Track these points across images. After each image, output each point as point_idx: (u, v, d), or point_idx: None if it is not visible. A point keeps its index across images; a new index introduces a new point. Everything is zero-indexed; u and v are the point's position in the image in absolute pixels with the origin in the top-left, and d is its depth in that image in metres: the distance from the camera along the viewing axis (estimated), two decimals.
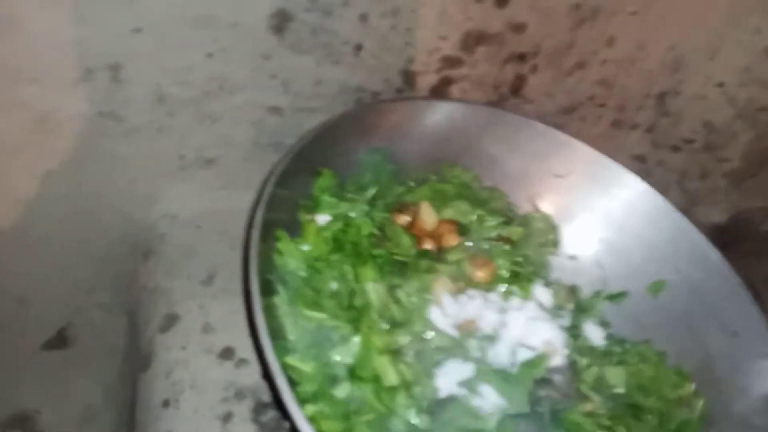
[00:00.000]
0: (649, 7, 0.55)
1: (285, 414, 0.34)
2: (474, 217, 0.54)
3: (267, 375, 0.35)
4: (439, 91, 0.57)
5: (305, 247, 0.46)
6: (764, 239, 0.54)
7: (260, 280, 0.38)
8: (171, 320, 0.50)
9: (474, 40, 0.54)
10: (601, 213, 0.57)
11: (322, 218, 0.47)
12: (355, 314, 0.43)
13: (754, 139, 0.57)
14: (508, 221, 0.55)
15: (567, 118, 0.63)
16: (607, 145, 0.59)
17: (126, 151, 0.53)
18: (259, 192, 0.41)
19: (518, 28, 0.54)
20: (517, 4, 0.52)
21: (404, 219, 0.51)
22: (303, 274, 0.44)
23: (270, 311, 0.39)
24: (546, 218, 0.58)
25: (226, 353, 0.47)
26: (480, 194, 0.57)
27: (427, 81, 0.56)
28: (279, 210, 0.44)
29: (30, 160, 0.51)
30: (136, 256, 0.57)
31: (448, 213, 0.53)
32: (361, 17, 0.49)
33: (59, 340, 0.66)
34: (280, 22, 0.48)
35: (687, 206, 0.54)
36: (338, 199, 0.48)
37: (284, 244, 0.44)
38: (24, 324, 0.62)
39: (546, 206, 0.58)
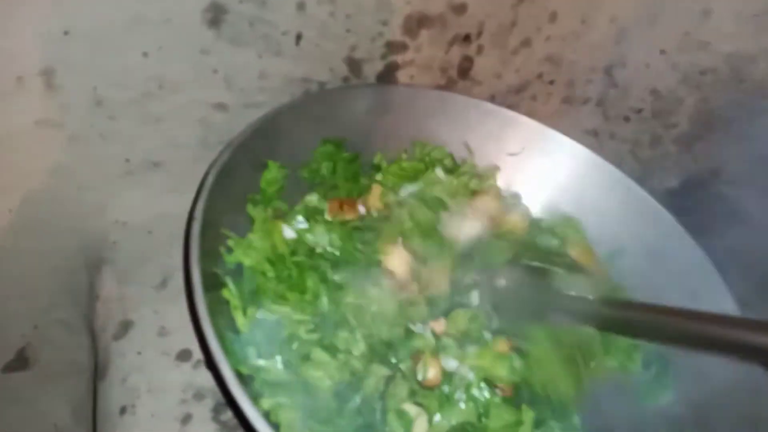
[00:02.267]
0: None
1: (237, 413, 0.33)
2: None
3: (212, 368, 0.34)
4: (387, 78, 0.57)
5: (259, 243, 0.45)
6: (715, 199, 0.55)
7: (204, 273, 0.37)
8: (125, 327, 0.48)
9: (416, 23, 0.54)
10: (557, 187, 0.58)
11: (289, 232, 0.46)
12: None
13: (698, 102, 0.58)
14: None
15: (518, 98, 0.64)
16: (561, 122, 0.59)
17: (70, 159, 0.52)
18: (199, 186, 0.40)
19: (459, 8, 0.54)
20: None
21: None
22: (265, 269, 0.44)
23: (217, 305, 0.39)
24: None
25: (183, 355, 0.46)
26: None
27: (373, 68, 0.56)
28: (225, 204, 0.43)
29: None
30: (89, 267, 0.56)
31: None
32: (299, 5, 0.49)
33: (20, 362, 0.64)
34: (215, 15, 0.47)
35: (641, 174, 0.54)
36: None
37: (236, 241, 0.44)
38: None
39: (501, 184, 0.58)
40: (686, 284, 0.51)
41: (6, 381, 0.63)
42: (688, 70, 0.57)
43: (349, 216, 0.49)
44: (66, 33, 0.44)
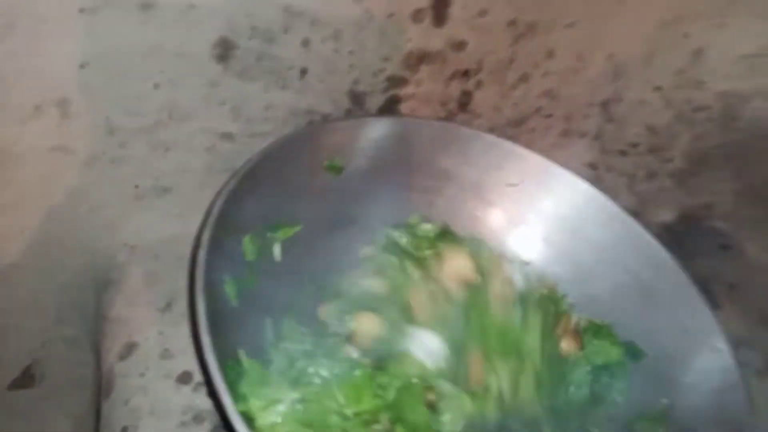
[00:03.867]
0: (583, 20, 0.57)
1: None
2: None
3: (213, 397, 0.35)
4: (388, 110, 0.59)
5: None
6: (708, 234, 0.56)
7: (208, 302, 0.38)
8: (130, 348, 0.50)
9: (416, 59, 0.56)
10: (553, 219, 0.59)
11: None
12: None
13: (693, 139, 0.59)
14: None
15: (517, 131, 0.65)
16: (559, 154, 0.60)
17: (83, 183, 0.54)
18: (206, 213, 0.42)
19: (459, 46, 0.56)
20: (455, 23, 0.54)
21: None
22: None
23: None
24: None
25: (184, 377, 0.48)
26: None
27: (375, 101, 0.58)
28: (228, 232, 0.45)
29: None
30: (97, 287, 0.57)
31: None
32: (304, 42, 0.51)
33: (26, 379, 0.65)
34: (224, 51, 0.49)
35: (637, 208, 0.56)
36: None
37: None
38: None
39: (500, 214, 0.60)
40: (678, 319, 0.52)
41: (11, 398, 0.65)
42: (682, 107, 0.59)
43: None
44: (83, 66, 0.46)
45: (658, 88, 0.60)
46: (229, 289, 0.45)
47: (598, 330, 0.54)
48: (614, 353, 0.53)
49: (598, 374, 0.53)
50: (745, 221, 0.54)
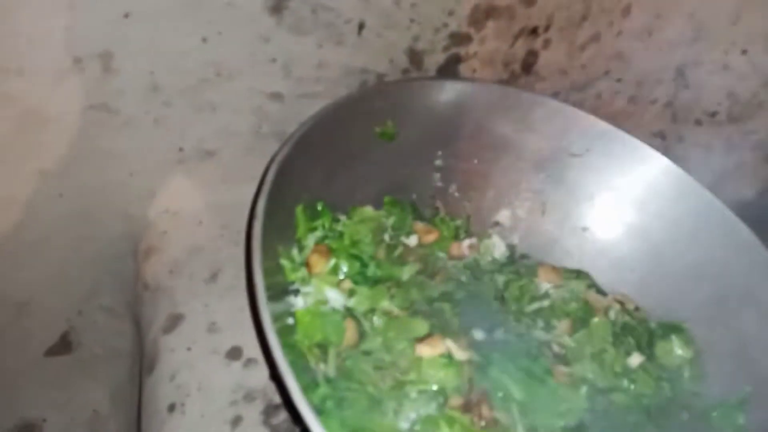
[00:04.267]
0: None
1: (296, 418, 0.31)
2: None
3: (275, 376, 0.32)
4: (448, 71, 0.55)
5: None
6: None
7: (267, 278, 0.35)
8: (175, 321, 0.47)
9: (483, 14, 0.51)
10: (621, 192, 0.55)
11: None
12: None
13: None
14: None
15: (582, 95, 0.61)
16: (625, 123, 0.56)
17: (122, 146, 0.50)
18: (260, 181, 0.39)
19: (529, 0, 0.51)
20: None
21: None
22: None
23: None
24: None
25: (234, 353, 0.45)
26: None
27: (434, 60, 0.53)
28: (282, 201, 0.42)
29: (20, 159, 0.48)
30: (137, 255, 0.55)
31: None
32: None
33: (62, 346, 0.64)
34: (278, 2, 0.45)
35: (712, 182, 0.51)
36: None
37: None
38: (25, 330, 0.60)
39: (563, 186, 0.56)
40: (758, 301, 0.48)
41: (48, 364, 0.64)
42: None
43: None
44: (126, 16, 0.43)
45: (744, 52, 0.55)
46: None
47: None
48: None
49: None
50: None
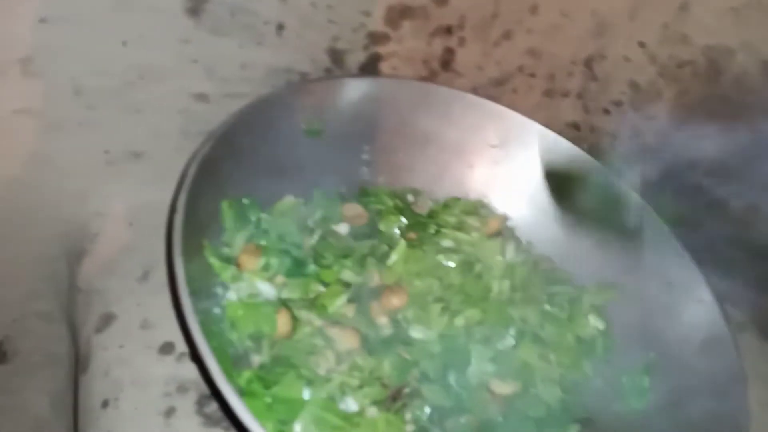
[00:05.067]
0: None
1: (224, 406, 0.33)
2: None
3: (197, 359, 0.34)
4: (369, 69, 0.57)
5: None
6: (694, 191, 0.56)
7: (187, 267, 0.37)
8: (107, 320, 0.48)
9: (398, 14, 0.54)
10: (536, 179, 0.58)
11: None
12: None
13: (677, 95, 0.59)
14: None
15: (499, 90, 0.64)
16: (541, 115, 0.60)
17: (50, 149, 0.51)
18: (180, 177, 0.40)
19: (441, 0, 0.54)
20: None
21: None
22: None
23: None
24: None
25: (167, 348, 0.46)
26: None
27: (355, 59, 0.56)
28: (205, 197, 0.43)
29: None
30: (70, 258, 0.55)
31: None
32: None
33: None
34: (196, 5, 0.47)
35: (621, 166, 0.55)
36: None
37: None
38: None
39: (481, 174, 0.59)
40: (662, 274, 0.52)
41: None
42: (666, 62, 0.58)
43: None
44: (43, 21, 0.43)
45: (642, 44, 0.59)
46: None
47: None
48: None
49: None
50: (731, 178, 0.54)
